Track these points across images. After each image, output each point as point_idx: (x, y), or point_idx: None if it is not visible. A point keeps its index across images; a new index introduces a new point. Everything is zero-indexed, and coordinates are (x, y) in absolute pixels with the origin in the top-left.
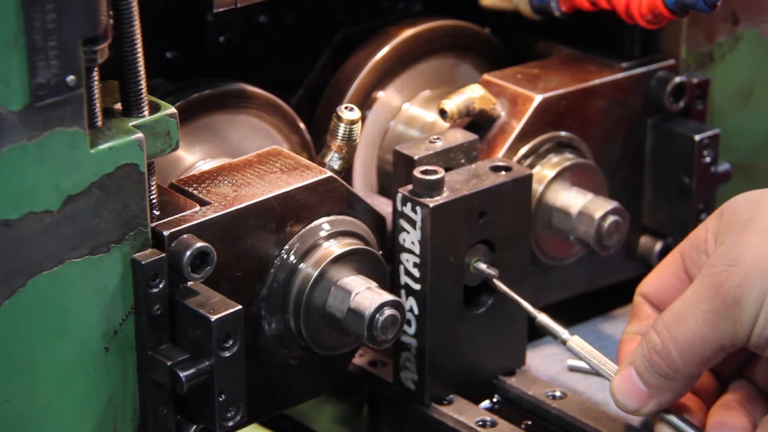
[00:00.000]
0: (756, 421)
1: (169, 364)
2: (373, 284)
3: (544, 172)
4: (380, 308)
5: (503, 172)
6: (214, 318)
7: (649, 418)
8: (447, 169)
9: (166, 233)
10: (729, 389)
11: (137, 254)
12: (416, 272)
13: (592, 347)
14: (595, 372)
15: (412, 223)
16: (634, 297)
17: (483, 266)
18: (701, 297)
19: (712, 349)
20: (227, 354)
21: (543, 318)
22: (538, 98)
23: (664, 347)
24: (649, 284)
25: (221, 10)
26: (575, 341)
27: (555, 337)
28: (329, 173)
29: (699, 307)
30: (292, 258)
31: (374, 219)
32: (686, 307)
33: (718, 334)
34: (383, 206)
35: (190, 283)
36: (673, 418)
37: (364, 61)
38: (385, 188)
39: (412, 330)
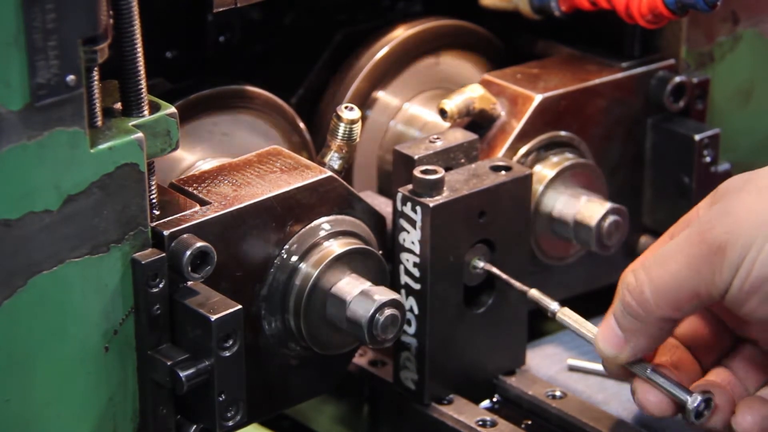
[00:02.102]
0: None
1: (169, 363)
2: (372, 284)
3: (544, 171)
4: (380, 308)
5: (503, 172)
6: (214, 318)
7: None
8: (447, 169)
9: (166, 233)
10: (710, 373)
11: (137, 254)
12: (416, 272)
13: (580, 317)
14: (586, 340)
15: (412, 222)
16: (619, 281)
17: (479, 263)
18: (686, 242)
19: (687, 294)
20: (227, 354)
21: (534, 292)
22: (538, 98)
23: (637, 286)
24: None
25: (221, 10)
26: (564, 312)
27: (545, 310)
28: (329, 173)
29: (682, 251)
30: (292, 258)
31: (374, 219)
32: (668, 251)
33: (696, 279)
34: (383, 206)
35: (190, 283)
36: (649, 371)
37: (364, 61)
38: (385, 188)
39: (412, 330)
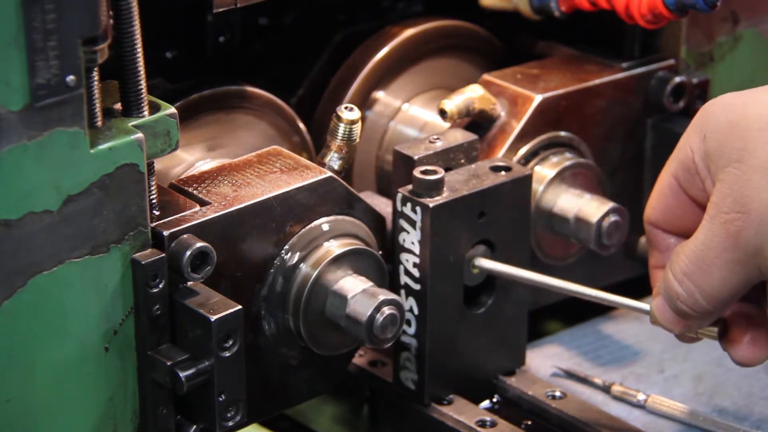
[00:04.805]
0: None
1: (169, 364)
2: (372, 284)
3: (544, 172)
4: (379, 308)
5: (503, 172)
6: (214, 318)
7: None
8: (447, 169)
9: (166, 233)
10: None
11: (137, 254)
12: (416, 272)
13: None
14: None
15: (412, 223)
16: (645, 227)
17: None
18: (719, 246)
19: (740, 290)
20: (227, 354)
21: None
22: (538, 98)
23: (689, 296)
24: (654, 211)
25: (221, 10)
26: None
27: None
28: (329, 173)
29: (720, 257)
30: (292, 258)
31: (374, 219)
32: (705, 256)
33: (744, 279)
34: (383, 206)
35: (190, 283)
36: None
37: (364, 61)
38: (385, 188)
39: (412, 330)
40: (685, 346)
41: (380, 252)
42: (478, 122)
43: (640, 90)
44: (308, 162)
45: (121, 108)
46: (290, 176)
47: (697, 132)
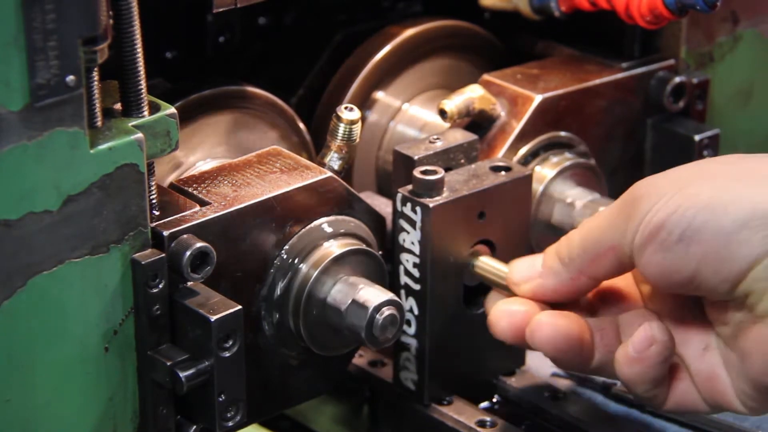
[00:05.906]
0: None
1: (169, 364)
2: (371, 284)
3: (544, 172)
4: (379, 308)
5: (503, 172)
6: (213, 318)
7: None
8: (447, 169)
9: (165, 233)
10: None
11: (137, 254)
12: (416, 272)
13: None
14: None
15: (412, 223)
16: None
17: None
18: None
19: (603, 246)
20: (227, 354)
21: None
22: (538, 98)
23: (572, 233)
24: None
25: (221, 10)
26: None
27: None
28: (329, 173)
29: (610, 206)
30: (292, 258)
31: (374, 219)
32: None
33: (612, 229)
34: (383, 206)
35: (189, 283)
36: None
37: (364, 61)
38: (385, 188)
39: (411, 330)
40: None
41: (380, 252)
42: (478, 122)
43: (640, 90)
44: (308, 162)
45: (121, 108)
46: (290, 176)
47: None
